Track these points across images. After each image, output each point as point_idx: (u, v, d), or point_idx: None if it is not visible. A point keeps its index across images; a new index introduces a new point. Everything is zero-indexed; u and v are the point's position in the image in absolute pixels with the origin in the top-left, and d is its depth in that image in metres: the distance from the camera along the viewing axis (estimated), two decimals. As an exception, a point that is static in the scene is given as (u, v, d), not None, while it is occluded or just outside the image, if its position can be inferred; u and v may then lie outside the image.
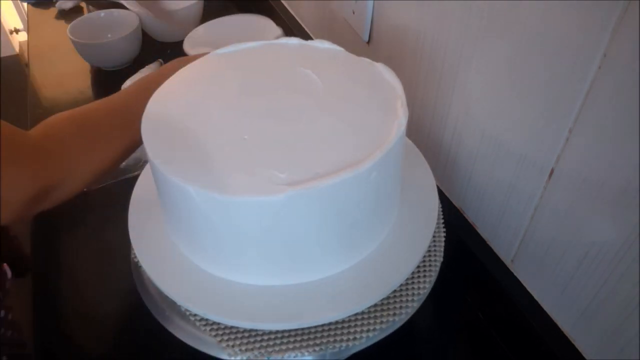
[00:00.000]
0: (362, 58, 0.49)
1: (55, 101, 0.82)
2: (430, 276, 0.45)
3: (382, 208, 0.43)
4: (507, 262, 0.51)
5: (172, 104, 0.44)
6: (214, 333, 0.41)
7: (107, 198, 0.65)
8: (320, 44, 0.51)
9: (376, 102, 0.43)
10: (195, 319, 0.41)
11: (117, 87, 0.77)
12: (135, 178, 0.49)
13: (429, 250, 0.46)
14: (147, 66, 0.81)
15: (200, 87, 0.47)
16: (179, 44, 0.94)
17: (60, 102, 0.82)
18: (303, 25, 0.88)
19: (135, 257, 0.44)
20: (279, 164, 0.37)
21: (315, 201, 0.37)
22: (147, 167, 0.52)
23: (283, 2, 0.95)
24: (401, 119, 0.41)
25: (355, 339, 0.40)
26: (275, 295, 0.41)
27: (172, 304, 0.42)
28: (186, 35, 0.94)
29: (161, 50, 0.92)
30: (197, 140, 0.40)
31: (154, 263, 0.43)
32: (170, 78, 0.48)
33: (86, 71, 0.88)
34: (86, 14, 0.90)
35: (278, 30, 0.82)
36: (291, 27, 0.88)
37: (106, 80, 0.85)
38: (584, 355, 0.44)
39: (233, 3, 0.98)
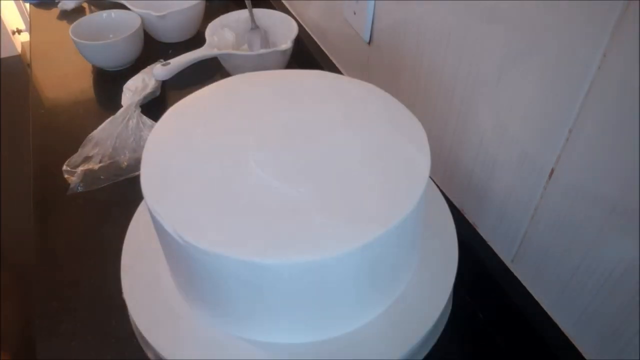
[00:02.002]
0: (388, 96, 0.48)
1: (57, 101, 0.83)
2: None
3: (407, 256, 0.43)
4: (508, 262, 0.51)
5: (175, 145, 0.42)
6: None
7: (109, 198, 0.65)
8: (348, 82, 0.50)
9: (399, 151, 0.42)
10: None
11: (118, 88, 0.78)
12: (136, 179, 0.49)
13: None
14: (149, 66, 0.82)
15: (210, 127, 0.44)
16: (181, 44, 0.94)
17: (62, 102, 0.83)
18: (304, 26, 0.88)
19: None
20: (308, 227, 0.36)
21: (342, 265, 0.36)
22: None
23: (284, 2, 0.96)
24: (424, 172, 0.40)
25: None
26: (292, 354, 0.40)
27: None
28: (188, 35, 0.95)
29: (163, 50, 0.92)
30: (207, 195, 0.38)
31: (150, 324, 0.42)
32: (172, 109, 0.46)
33: (88, 71, 0.88)
34: (88, 15, 0.90)
35: (295, 27, 0.82)
36: (292, 28, 0.88)
37: (108, 80, 0.86)
38: (584, 355, 0.44)
39: (234, 2, 0.98)
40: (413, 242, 0.43)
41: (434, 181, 0.59)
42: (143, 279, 0.45)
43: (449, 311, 0.47)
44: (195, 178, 0.39)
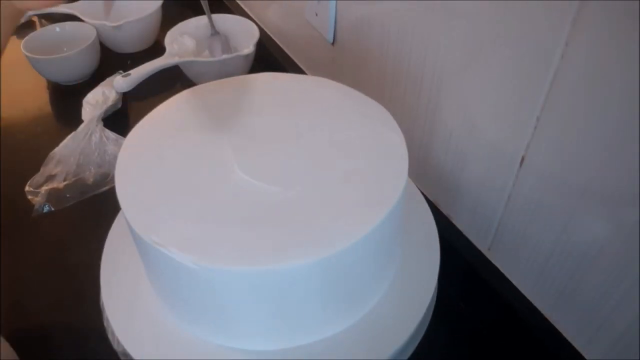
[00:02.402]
0: (360, 95, 0.48)
1: (12, 120, 0.79)
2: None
3: (385, 261, 0.42)
4: (484, 251, 0.52)
5: (149, 155, 0.42)
6: None
7: (74, 216, 0.63)
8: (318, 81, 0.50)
9: (374, 153, 0.42)
10: None
11: (77, 103, 0.75)
12: (103, 194, 0.48)
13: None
14: (108, 78, 0.80)
15: (182, 135, 0.44)
16: (139, 54, 0.92)
17: (18, 121, 0.79)
18: (265, 30, 0.88)
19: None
20: (276, 230, 0.35)
21: (317, 270, 0.35)
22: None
23: (243, 6, 0.95)
24: (402, 175, 0.40)
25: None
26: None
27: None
28: (146, 44, 0.93)
29: (121, 61, 0.89)
30: (183, 203, 0.38)
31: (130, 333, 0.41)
32: (144, 121, 0.45)
33: (43, 87, 0.85)
34: (40, 29, 0.87)
35: (256, 31, 0.81)
36: (253, 32, 0.88)
37: (65, 95, 0.83)
38: (564, 335, 0.45)
39: (191, 9, 0.97)
40: (388, 253, 0.43)
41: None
42: (124, 295, 0.44)
43: (432, 310, 0.47)
44: (166, 189, 0.39)
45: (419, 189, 0.58)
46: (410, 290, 0.45)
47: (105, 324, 0.45)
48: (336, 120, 0.44)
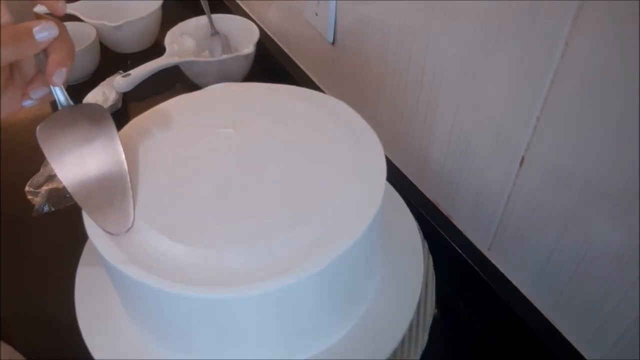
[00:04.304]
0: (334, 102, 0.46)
1: (13, 120, 0.79)
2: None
3: (369, 270, 0.42)
4: (484, 251, 0.52)
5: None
6: None
7: (74, 216, 0.63)
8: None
9: (351, 163, 0.40)
10: None
11: (77, 102, 0.75)
12: None
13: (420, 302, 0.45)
14: (108, 78, 0.80)
15: (157, 152, 0.41)
16: (139, 54, 0.92)
17: (18, 120, 0.79)
18: (265, 30, 0.88)
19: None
20: (257, 249, 0.34)
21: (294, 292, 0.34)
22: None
23: (243, 6, 0.95)
24: (379, 188, 0.38)
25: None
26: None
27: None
28: (146, 44, 0.93)
29: (121, 61, 0.89)
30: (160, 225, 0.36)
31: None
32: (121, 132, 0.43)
33: (43, 87, 0.85)
34: (39, 29, 0.87)
35: (256, 31, 0.81)
36: (253, 32, 0.88)
37: (68, 95, 0.83)
38: (564, 335, 0.45)
39: (189, 9, 0.97)
40: (373, 258, 0.42)
41: (407, 177, 0.60)
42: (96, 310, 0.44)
43: (432, 306, 0.47)
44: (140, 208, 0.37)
45: (418, 187, 0.58)
46: (398, 290, 0.44)
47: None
48: (310, 131, 0.43)
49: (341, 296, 0.39)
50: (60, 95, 0.38)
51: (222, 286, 0.32)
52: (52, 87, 0.37)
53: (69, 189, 0.36)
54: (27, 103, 0.37)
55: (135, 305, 0.39)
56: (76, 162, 0.37)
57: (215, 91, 0.48)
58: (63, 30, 0.35)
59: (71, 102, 0.38)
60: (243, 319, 0.35)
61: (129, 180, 0.37)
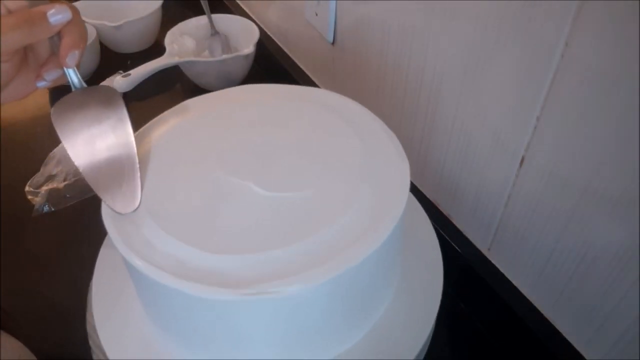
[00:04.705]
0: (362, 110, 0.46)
1: (12, 120, 0.79)
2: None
3: (387, 278, 0.41)
4: (484, 251, 0.52)
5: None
6: None
7: (74, 216, 0.63)
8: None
9: (373, 169, 0.39)
10: None
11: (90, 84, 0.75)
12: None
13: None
14: (108, 78, 0.80)
15: (177, 156, 0.41)
16: (139, 54, 0.92)
17: (18, 120, 0.79)
18: (265, 30, 0.88)
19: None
20: (278, 253, 0.34)
21: (321, 293, 0.34)
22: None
23: (243, 6, 0.95)
24: (402, 196, 0.37)
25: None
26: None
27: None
28: (146, 44, 0.93)
29: (121, 61, 0.90)
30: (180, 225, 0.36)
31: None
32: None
33: (43, 87, 0.85)
34: (39, 28, 0.87)
35: (256, 31, 0.81)
36: (253, 32, 0.88)
37: (65, 95, 0.83)
38: (564, 335, 0.45)
39: (189, 9, 0.97)
40: (392, 264, 0.41)
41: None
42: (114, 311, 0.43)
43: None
44: (158, 211, 0.37)
45: (418, 187, 0.58)
46: (415, 297, 0.43)
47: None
48: (332, 137, 0.43)
49: (358, 303, 0.38)
50: (74, 77, 0.39)
51: (235, 289, 0.32)
52: (65, 69, 0.38)
53: (80, 169, 0.37)
54: (41, 84, 0.39)
55: (153, 306, 0.39)
56: (87, 142, 0.38)
57: (243, 91, 0.48)
58: (76, 14, 0.36)
59: (84, 84, 0.39)
60: (255, 322, 0.35)
61: (137, 161, 0.38)
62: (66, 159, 0.67)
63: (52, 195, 0.64)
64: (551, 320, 0.46)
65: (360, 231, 0.35)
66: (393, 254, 0.40)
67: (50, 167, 0.66)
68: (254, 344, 0.37)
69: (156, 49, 0.89)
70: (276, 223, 0.35)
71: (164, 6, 0.91)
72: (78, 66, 0.38)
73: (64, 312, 0.53)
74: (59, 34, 0.36)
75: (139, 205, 0.37)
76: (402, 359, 0.39)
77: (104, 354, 0.40)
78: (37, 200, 0.63)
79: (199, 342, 0.38)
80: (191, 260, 0.34)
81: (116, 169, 0.38)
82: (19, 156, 0.72)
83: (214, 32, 0.84)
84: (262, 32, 0.85)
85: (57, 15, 0.35)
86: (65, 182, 0.65)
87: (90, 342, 0.45)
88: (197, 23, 0.85)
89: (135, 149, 0.39)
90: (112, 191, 0.37)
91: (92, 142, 0.38)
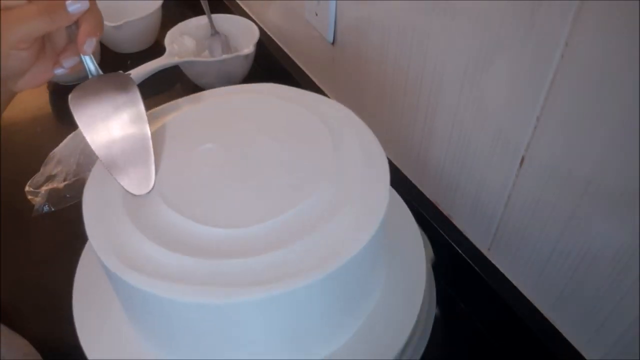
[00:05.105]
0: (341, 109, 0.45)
1: (12, 120, 0.79)
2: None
3: (374, 275, 0.41)
4: (484, 251, 0.52)
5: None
6: None
7: (74, 216, 0.63)
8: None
9: (354, 169, 0.39)
10: None
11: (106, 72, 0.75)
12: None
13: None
14: (107, 79, 0.79)
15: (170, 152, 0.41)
16: (139, 54, 0.92)
17: (18, 120, 0.79)
18: (265, 30, 0.88)
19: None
20: (264, 255, 0.34)
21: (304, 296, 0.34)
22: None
23: (243, 6, 0.95)
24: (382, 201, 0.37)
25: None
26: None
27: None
28: (146, 44, 0.93)
29: (121, 61, 0.90)
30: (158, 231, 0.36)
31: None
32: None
33: (44, 87, 0.85)
34: (39, 29, 0.87)
35: (256, 31, 0.81)
36: (253, 32, 0.87)
37: (66, 95, 0.82)
38: (564, 335, 0.45)
39: (189, 9, 0.97)
40: (377, 263, 0.41)
41: (407, 177, 0.60)
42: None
43: (433, 308, 0.47)
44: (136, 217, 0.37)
45: (418, 187, 0.58)
46: (401, 293, 0.43)
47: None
48: (310, 137, 0.42)
49: (346, 302, 0.38)
50: (90, 64, 0.40)
51: (226, 289, 0.32)
52: (82, 56, 0.39)
53: (96, 152, 0.39)
54: (59, 71, 0.40)
55: (136, 311, 0.39)
56: (103, 127, 0.40)
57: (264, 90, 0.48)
58: (93, 3, 0.38)
59: (100, 72, 0.41)
60: (247, 323, 0.35)
61: (151, 145, 0.40)
62: (66, 158, 0.67)
63: (52, 195, 0.64)
64: (551, 320, 0.46)
65: (343, 235, 0.35)
66: (377, 255, 0.40)
67: (50, 167, 0.66)
68: (240, 346, 0.37)
69: (156, 49, 0.89)
70: (260, 227, 0.35)
71: (164, 6, 0.91)
72: (94, 53, 0.40)
73: (64, 312, 0.53)
74: (76, 23, 0.38)
75: (153, 186, 0.38)
76: (385, 358, 0.39)
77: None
78: (37, 200, 0.63)
79: (182, 344, 0.38)
80: (169, 261, 0.34)
81: (131, 152, 0.40)
82: (19, 156, 0.72)
83: (214, 32, 0.84)
84: (262, 32, 0.84)
85: (76, 4, 0.36)
86: (65, 182, 0.65)
87: None
88: (197, 23, 0.85)
89: (149, 132, 0.40)
90: (128, 173, 0.39)
91: (108, 126, 0.40)
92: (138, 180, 0.38)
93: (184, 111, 0.46)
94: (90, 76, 0.40)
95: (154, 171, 0.39)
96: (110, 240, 0.36)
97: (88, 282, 0.45)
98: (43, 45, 0.39)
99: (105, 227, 0.37)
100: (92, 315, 0.43)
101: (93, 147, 0.39)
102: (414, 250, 0.47)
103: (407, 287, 0.44)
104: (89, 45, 0.38)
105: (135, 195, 0.38)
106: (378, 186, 0.38)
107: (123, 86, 0.41)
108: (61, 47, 0.40)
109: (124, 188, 0.38)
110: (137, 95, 0.41)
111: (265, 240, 0.35)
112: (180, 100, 0.47)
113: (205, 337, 0.36)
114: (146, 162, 0.39)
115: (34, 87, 0.41)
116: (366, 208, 0.36)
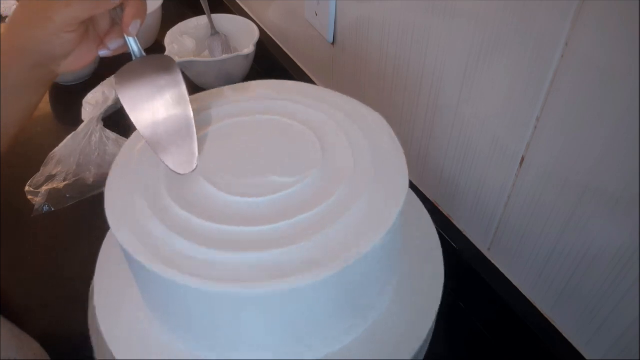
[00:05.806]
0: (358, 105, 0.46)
1: (12, 120, 0.79)
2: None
3: (386, 276, 0.41)
4: (484, 251, 0.52)
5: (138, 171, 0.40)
6: None
7: (74, 216, 0.63)
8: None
9: (372, 167, 0.40)
10: None
11: (77, 102, 0.75)
12: (103, 194, 0.45)
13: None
14: (108, 79, 0.79)
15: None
16: (139, 54, 0.92)
17: (18, 120, 0.79)
18: (265, 30, 0.88)
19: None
20: (280, 249, 0.34)
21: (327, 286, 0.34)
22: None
23: (243, 6, 0.95)
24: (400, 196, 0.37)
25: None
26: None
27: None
28: (146, 44, 0.92)
29: (120, 61, 0.89)
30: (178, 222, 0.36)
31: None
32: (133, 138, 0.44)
33: (43, 87, 0.85)
34: (39, 28, 0.87)
35: (256, 31, 0.81)
36: (253, 32, 0.87)
37: (65, 95, 0.83)
38: (564, 335, 0.45)
39: (189, 9, 0.97)
40: (392, 261, 0.41)
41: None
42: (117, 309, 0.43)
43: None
44: (158, 207, 0.37)
45: (418, 188, 0.58)
46: (416, 295, 0.43)
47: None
48: (332, 131, 0.43)
49: (356, 300, 0.38)
50: (134, 46, 0.41)
51: (237, 283, 0.33)
52: (127, 38, 0.41)
53: (141, 132, 0.39)
54: (103, 52, 0.42)
55: (157, 301, 0.39)
56: (147, 107, 0.40)
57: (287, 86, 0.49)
58: None
59: (143, 53, 0.42)
60: (257, 319, 0.35)
61: (194, 124, 0.40)
62: (66, 158, 0.67)
63: (52, 195, 0.64)
64: (551, 320, 0.46)
65: (358, 231, 0.35)
66: (391, 253, 0.40)
67: (50, 167, 0.66)
68: (253, 341, 0.37)
69: (156, 49, 0.89)
70: (277, 223, 0.36)
71: (164, 6, 0.91)
72: (138, 36, 0.41)
73: (64, 312, 0.53)
74: (121, 6, 0.39)
75: (196, 166, 0.39)
76: (400, 358, 0.39)
77: (110, 353, 0.40)
78: (37, 200, 0.63)
79: (198, 338, 0.38)
80: (189, 253, 0.34)
81: (175, 132, 0.40)
82: (19, 156, 0.72)
83: (214, 32, 0.84)
84: (262, 32, 0.85)
85: None
86: (65, 182, 0.65)
87: (92, 342, 0.45)
88: (197, 23, 0.85)
89: (192, 112, 0.40)
90: (172, 152, 0.39)
91: (152, 106, 0.40)
92: (182, 160, 0.39)
93: (227, 100, 0.47)
94: (134, 58, 0.41)
95: (197, 151, 0.39)
96: (135, 231, 0.36)
97: (109, 279, 0.45)
98: (87, 28, 0.40)
99: (128, 218, 0.37)
100: (115, 313, 0.43)
101: (138, 127, 0.39)
102: (431, 252, 0.46)
103: (422, 288, 0.44)
104: (134, 27, 0.39)
105: (179, 174, 0.38)
106: (396, 180, 0.39)
107: (165, 68, 0.42)
108: (104, 30, 0.41)
109: (169, 167, 0.38)
110: (179, 76, 0.42)
111: (292, 233, 0.35)
112: (225, 88, 0.48)
113: (226, 328, 0.36)
114: (189, 142, 0.40)
115: (76, 69, 0.42)
116: (383, 203, 0.37)
